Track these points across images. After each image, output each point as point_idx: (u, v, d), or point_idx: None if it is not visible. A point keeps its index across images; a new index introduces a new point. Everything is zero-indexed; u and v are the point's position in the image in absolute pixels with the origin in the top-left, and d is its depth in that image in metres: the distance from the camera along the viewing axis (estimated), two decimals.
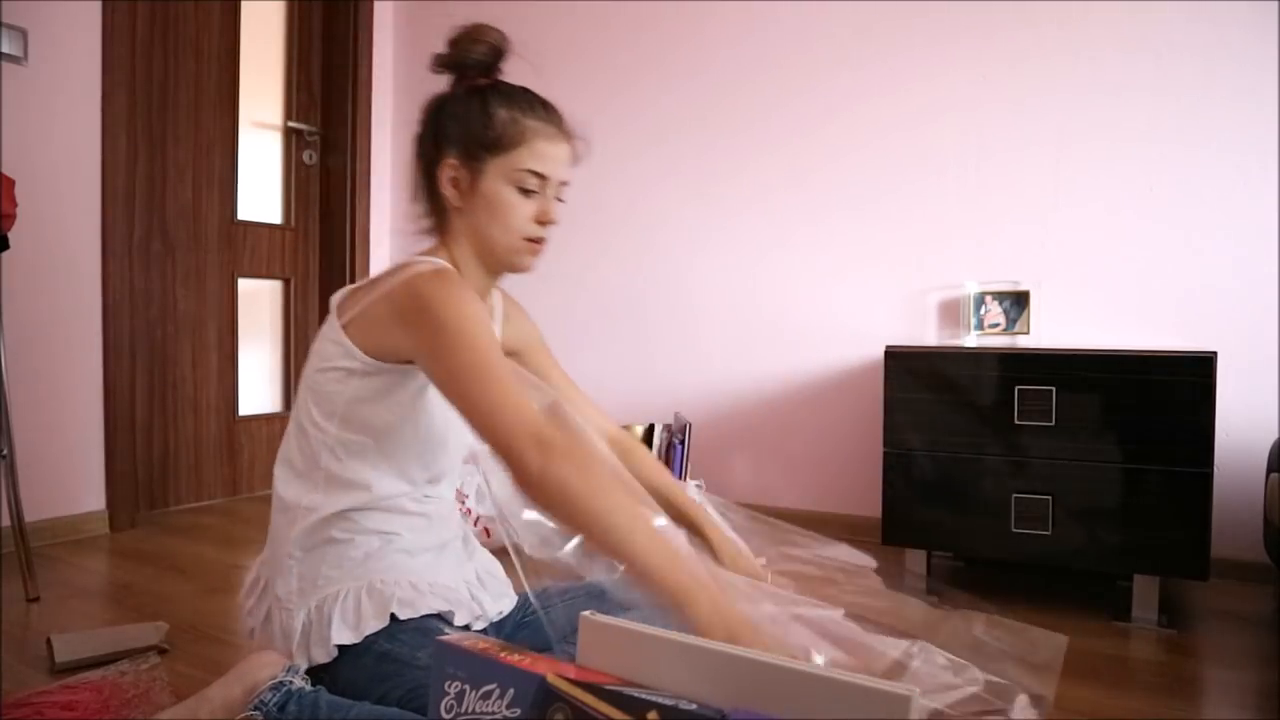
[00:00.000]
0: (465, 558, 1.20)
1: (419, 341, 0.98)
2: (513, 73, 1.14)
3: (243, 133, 2.71)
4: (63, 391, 2.15)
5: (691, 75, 2.53)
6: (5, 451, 1.70)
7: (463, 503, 2.07)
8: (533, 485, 0.87)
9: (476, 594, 1.15)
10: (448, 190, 1.10)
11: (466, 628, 1.10)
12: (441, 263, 1.06)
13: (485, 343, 0.95)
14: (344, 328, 1.07)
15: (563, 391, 1.31)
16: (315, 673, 1.06)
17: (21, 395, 1.94)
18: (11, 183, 1.68)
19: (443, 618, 1.07)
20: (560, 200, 1.12)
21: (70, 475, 2.17)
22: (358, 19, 2.92)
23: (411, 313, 0.99)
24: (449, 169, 1.09)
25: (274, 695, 1.01)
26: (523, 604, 1.22)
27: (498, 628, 1.17)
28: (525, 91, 1.12)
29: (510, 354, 1.23)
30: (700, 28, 2.52)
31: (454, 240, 1.13)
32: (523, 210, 1.08)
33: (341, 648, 1.02)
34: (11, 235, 1.71)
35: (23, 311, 1.99)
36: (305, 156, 2.90)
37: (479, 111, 1.08)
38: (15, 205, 1.68)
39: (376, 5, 2.99)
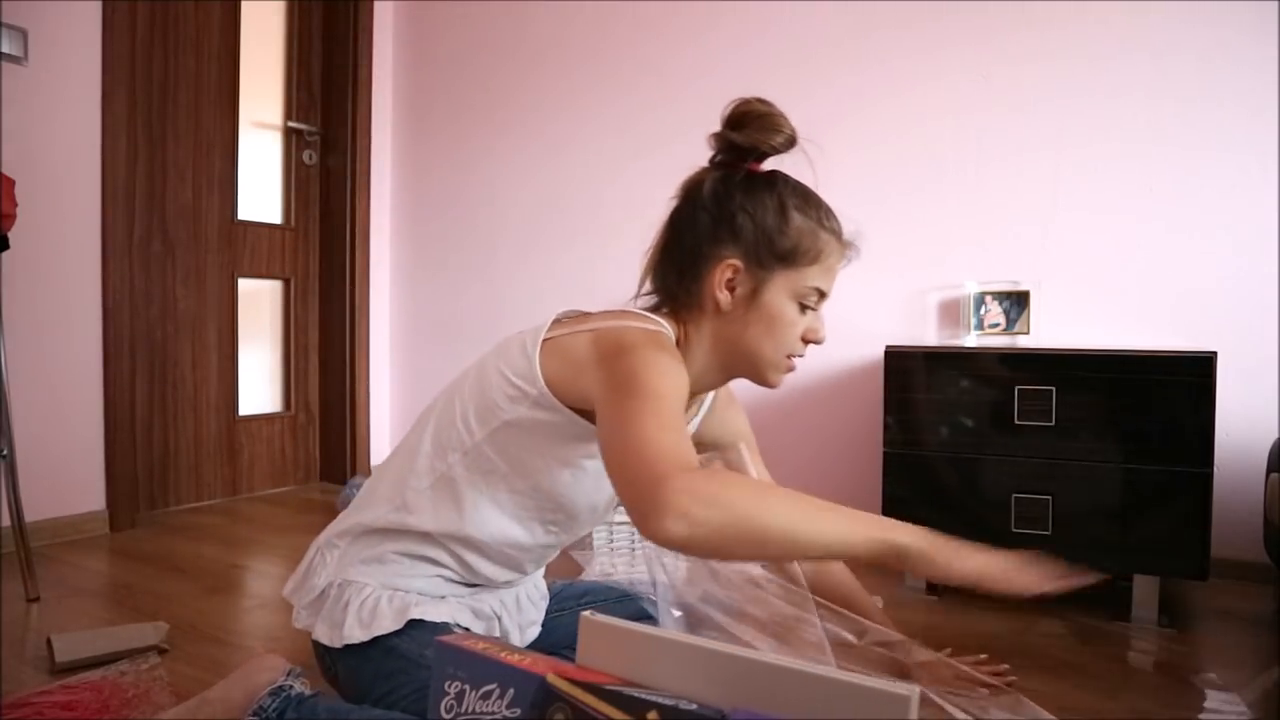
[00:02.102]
0: (503, 586, 1.16)
1: (604, 379, 0.87)
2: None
3: (243, 133, 2.71)
4: (63, 391, 2.15)
5: (691, 78, 2.53)
6: (5, 451, 1.70)
7: None
8: (665, 517, 0.70)
9: (501, 614, 1.12)
10: (720, 291, 0.98)
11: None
12: (666, 328, 0.97)
13: (669, 393, 0.82)
14: (541, 344, 0.98)
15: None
16: (317, 648, 1.07)
17: (21, 395, 1.94)
18: (12, 183, 1.68)
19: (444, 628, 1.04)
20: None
21: (70, 475, 2.17)
22: (358, 19, 2.92)
23: (610, 355, 0.89)
24: (729, 269, 0.97)
25: (273, 701, 1.01)
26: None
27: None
28: (815, 195, 1.02)
29: (704, 447, 1.14)
30: (700, 30, 2.52)
31: (698, 333, 1.01)
32: (799, 327, 1.00)
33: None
34: (11, 235, 1.72)
35: (23, 311, 1.99)
36: (305, 156, 2.90)
37: (775, 214, 0.98)
38: (15, 205, 1.68)
39: (376, 5, 2.99)
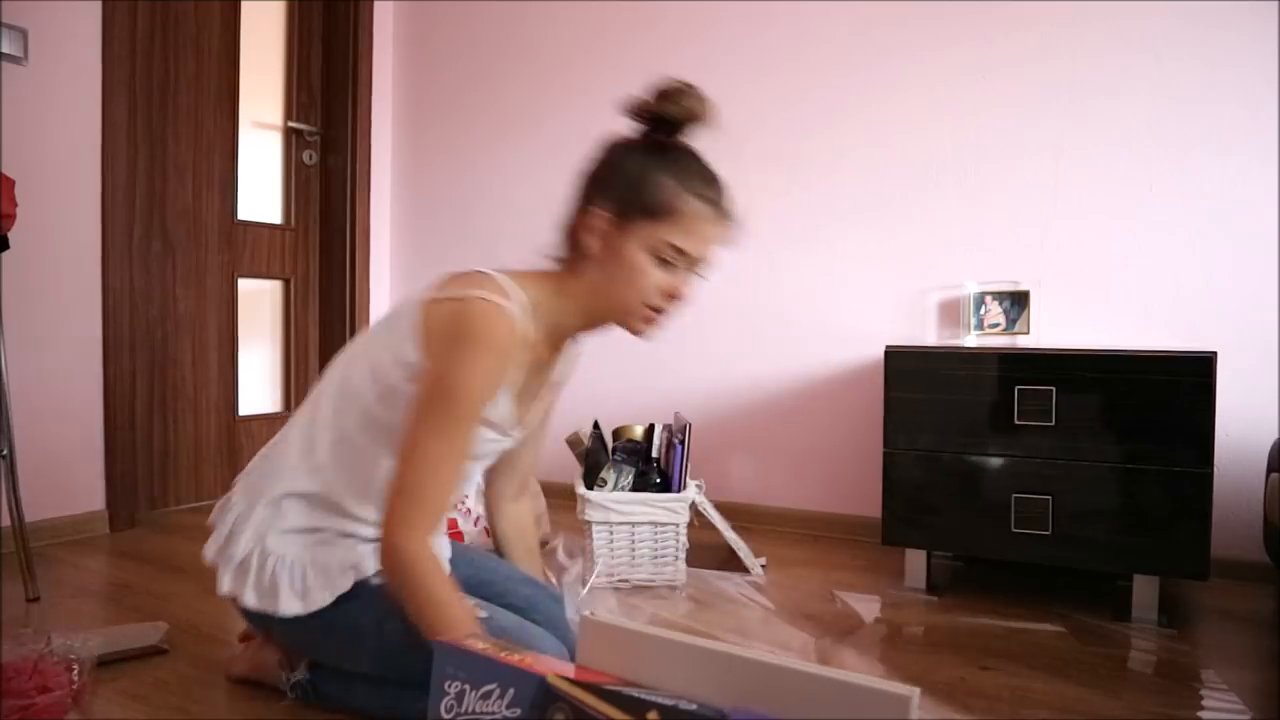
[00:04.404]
0: None
1: (430, 365, 1.01)
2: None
3: (243, 133, 2.71)
4: (63, 391, 2.15)
5: (692, 78, 2.53)
6: (5, 451, 1.70)
7: (463, 502, 2.07)
8: (400, 550, 0.97)
9: None
10: (587, 239, 1.08)
11: None
12: (512, 301, 1.04)
13: (475, 408, 1.00)
14: (425, 305, 1.05)
15: (538, 435, 1.34)
16: (246, 611, 1.13)
17: (22, 395, 1.94)
18: (12, 183, 1.68)
19: (377, 574, 1.09)
20: (700, 276, 1.11)
21: (70, 475, 2.17)
22: (358, 19, 2.92)
23: (442, 338, 1.01)
24: (597, 218, 1.07)
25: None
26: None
27: None
28: (700, 164, 1.10)
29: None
30: (700, 30, 2.52)
31: (575, 280, 1.11)
32: (655, 279, 1.06)
33: None
34: (12, 235, 1.71)
35: (23, 311, 1.99)
36: (305, 156, 2.91)
37: (643, 171, 1.06)
38: (15, 205, 1.68)
39: (376, 5, 2.99)
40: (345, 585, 1.07)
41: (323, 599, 1.07)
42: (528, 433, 1.26)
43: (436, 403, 0.98)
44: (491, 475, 1.36)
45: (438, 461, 0.97)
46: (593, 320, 1.13)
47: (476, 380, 0.99)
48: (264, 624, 1.15)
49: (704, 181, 1.07)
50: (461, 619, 0.94)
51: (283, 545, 1.11)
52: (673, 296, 1.07)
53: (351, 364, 1.13)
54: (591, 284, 1.09)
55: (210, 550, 1.17)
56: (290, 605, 1.07)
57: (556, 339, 1.16)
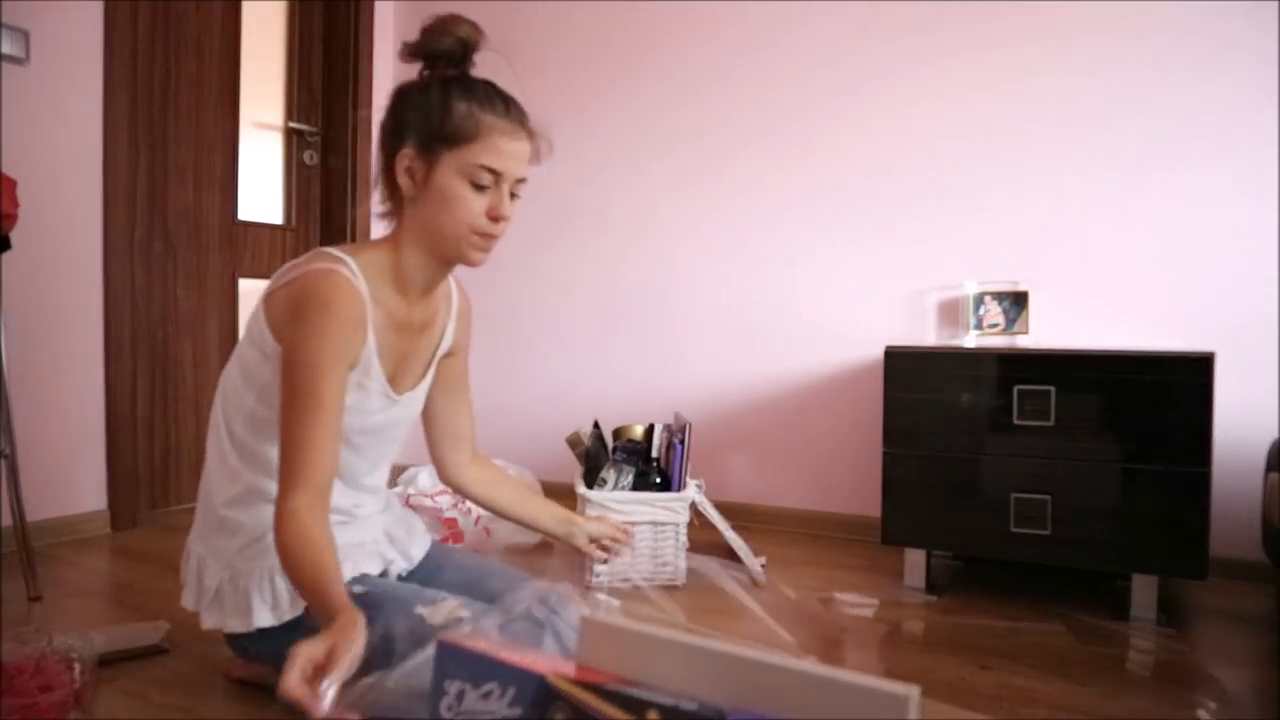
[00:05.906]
0: (377, 514, 1.24)
1: (285, 349, 1.03)
2: (489, 69, 1.15)
3: (244, 133, 2.71)
4: (64, 391, 2.15)
5: (697, 81, 2.53)
6: (7, 451, 1.70)
7: (462, 502, 2.07)
8: (282, 515, 0.95)
9: (384, 550, 1.21)
10: (403, 180, 1.10)
11: (384, 574, 1.18)
12: (347, 261, 1.06)
13: (328, 371, 1.00)
14: (265, 300, 1.09)
15: (461, 401, 1.36)
16: (232, 641, 1.15)
17: (23, 395, 1.94)
18: (13, 183, 1.68)
19: (358, 580, 1.11)
20: (515, 196, 1.13)
21: (71, 475, 2.18)
22: (358, 19, 2.92)
23: (291, 318, 1.03)
24: (405, 159, 1.09)
25: None
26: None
27: (416, 572, 1.26)
28: (488, 86, 1.11)
29: (447, 355, 1.30)
30: (705, 34, 2.52)
31: (405, 229, 1.14)
32: (474, 205, 1.08)
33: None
34: (13, 235, 1.72)
35: (24, 311, 1.99)
36: (306, 157, 2.91)
37: (439, 103, 1.08)
38: (17, 205, 1.69)
39: (377, 5, 2.99)
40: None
41: (294, 610, 1.08)
42: (422, 397, 1.27)
43: (294, 377, 1.00)
44: (437, 451, 1.36)
45: (310, 431, 0.97)
46: (432, 259, 1.14)
47: (324, 345, 1.00)
48: (253, 648, 1.15)
49: (497, 100, 1.09)
50: (339, 603, 0.90)
51: (248, 562, 1.12)
52: (495, 218, 1.09)
53: (229, 375, 1.17)
54: (418, 223, 1.11)
55: (189, 600, 1.19)
56: (262, 616, 1.09)
57: (413, 292, 1.17)
